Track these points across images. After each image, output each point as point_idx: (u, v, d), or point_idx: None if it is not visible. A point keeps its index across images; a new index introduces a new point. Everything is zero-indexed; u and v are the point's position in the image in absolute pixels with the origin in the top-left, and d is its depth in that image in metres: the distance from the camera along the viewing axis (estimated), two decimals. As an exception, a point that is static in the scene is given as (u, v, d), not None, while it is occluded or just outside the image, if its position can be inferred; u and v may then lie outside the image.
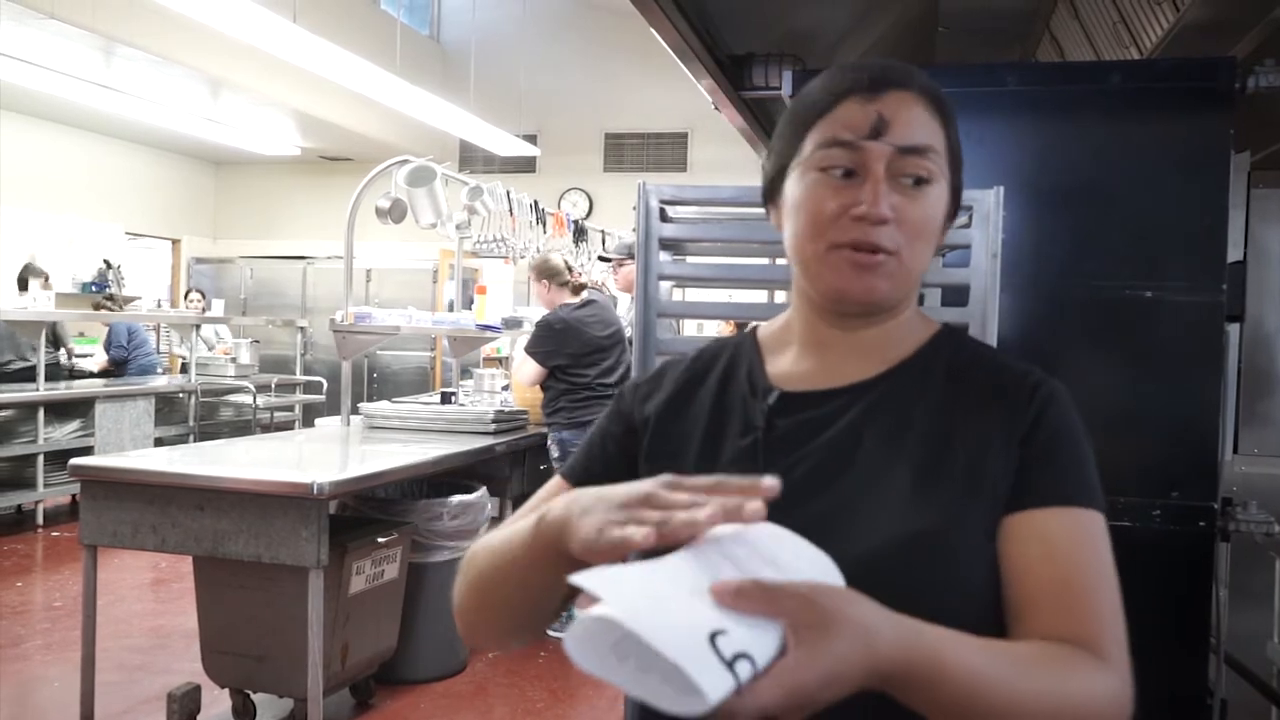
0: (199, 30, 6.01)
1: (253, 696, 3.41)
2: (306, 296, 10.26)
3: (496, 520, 4.18)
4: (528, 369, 4.44)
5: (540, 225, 6.14)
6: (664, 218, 1.98)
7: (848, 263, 0.84)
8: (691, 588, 0.61)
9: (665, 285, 2.09)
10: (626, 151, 10.58)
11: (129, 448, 6.30)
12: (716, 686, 0.57)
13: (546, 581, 0.78)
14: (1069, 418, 0.86)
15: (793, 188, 0.88)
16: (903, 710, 0.69)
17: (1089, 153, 2.26)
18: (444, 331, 5.59)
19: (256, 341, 8.47)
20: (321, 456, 3.95)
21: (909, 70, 0.87)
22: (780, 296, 3.39)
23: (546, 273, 4.63)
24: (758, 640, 0.60)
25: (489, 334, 5.46)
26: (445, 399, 4.81)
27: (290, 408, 8.34)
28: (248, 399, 7.74)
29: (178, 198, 11.14)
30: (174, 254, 11.32)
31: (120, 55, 7.11)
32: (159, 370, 8.25)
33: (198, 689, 3.34)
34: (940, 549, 0.81)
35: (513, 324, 5.51)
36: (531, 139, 9.77)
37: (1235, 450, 2.58)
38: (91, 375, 7.49)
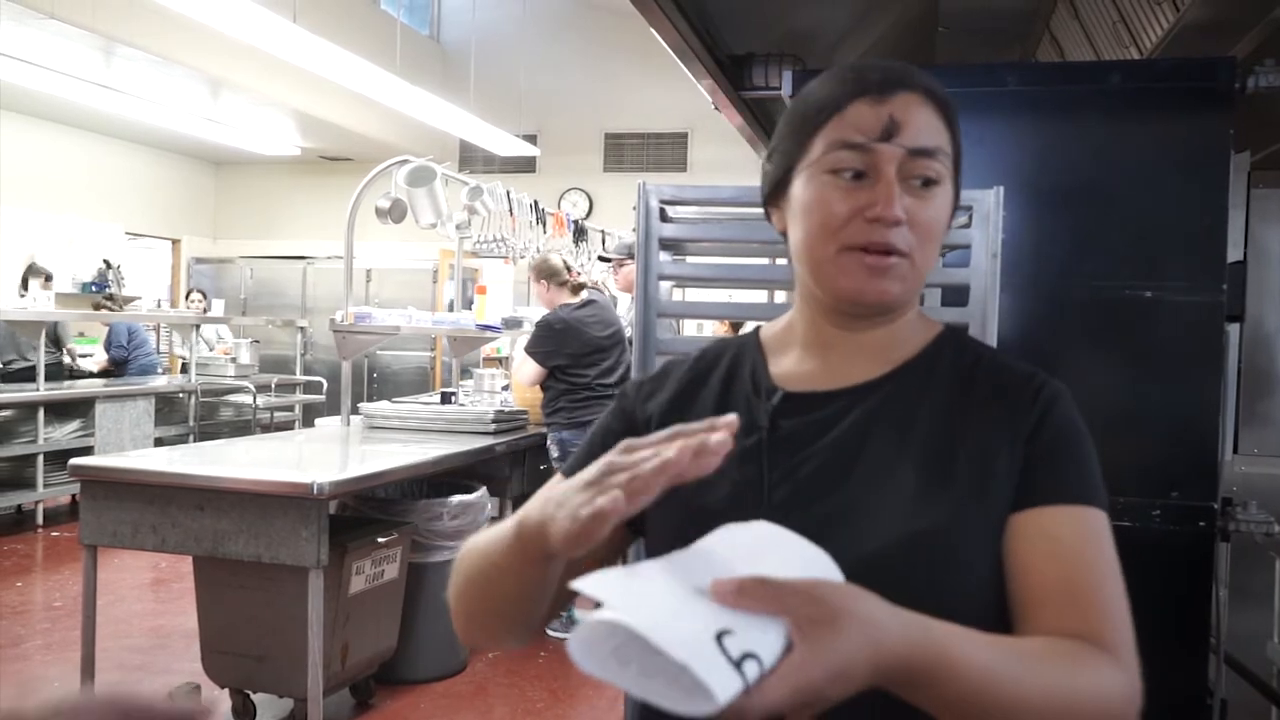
0: (199, 30, 6.01)
1: (253, 696, 3.42)
2: (306, 296, 10.26)
3: (496, 520, 4.18)
4: (528, 369, 4.44)
5: (540, 225, 6.14)
6: (664, 218, 1.98)
7: (861, 265, 0.84)
8: (694, 588, 0.61)
9: (665, 285, 2.09)
10: (626, 151, 10.58)
11: (129, 448, 6.30)
12: (725, 687, 0.56)
13: (534, 583, 0.78)
14: (1072, 417, 0.87)
15: (801, 190, 0.88)
16: (909, 709, 0.69)
17: (1089, 153, 2.26)
18: (444, 331, 5.59)
19: (256, 341, 8.47)
20: (321, 456, 3.95)
21: (916, 71, 0.87)
22: (780, 296, 3.39)
23: (546, 273, 4.63)
24: (763, 639, 0.59)
25: (489, 334, 5.46)
26: (445, 399, 4.81)
27: (290, 408, 8.34)
28: (248, 399, 7.74)
29: (178, 198, 11.14)
30: (174, 254, 11.32)
31: (120, 55, 7.11)
32: (159, 370, 8.25)
33: (198, 689, 3.34)
34: (945, 549, 0.81)
35: (513, 324, 5.51)
36: (531, 139, 9.77)
37: (1235, 450, 2.58)
38: (91, 375, 7.49)
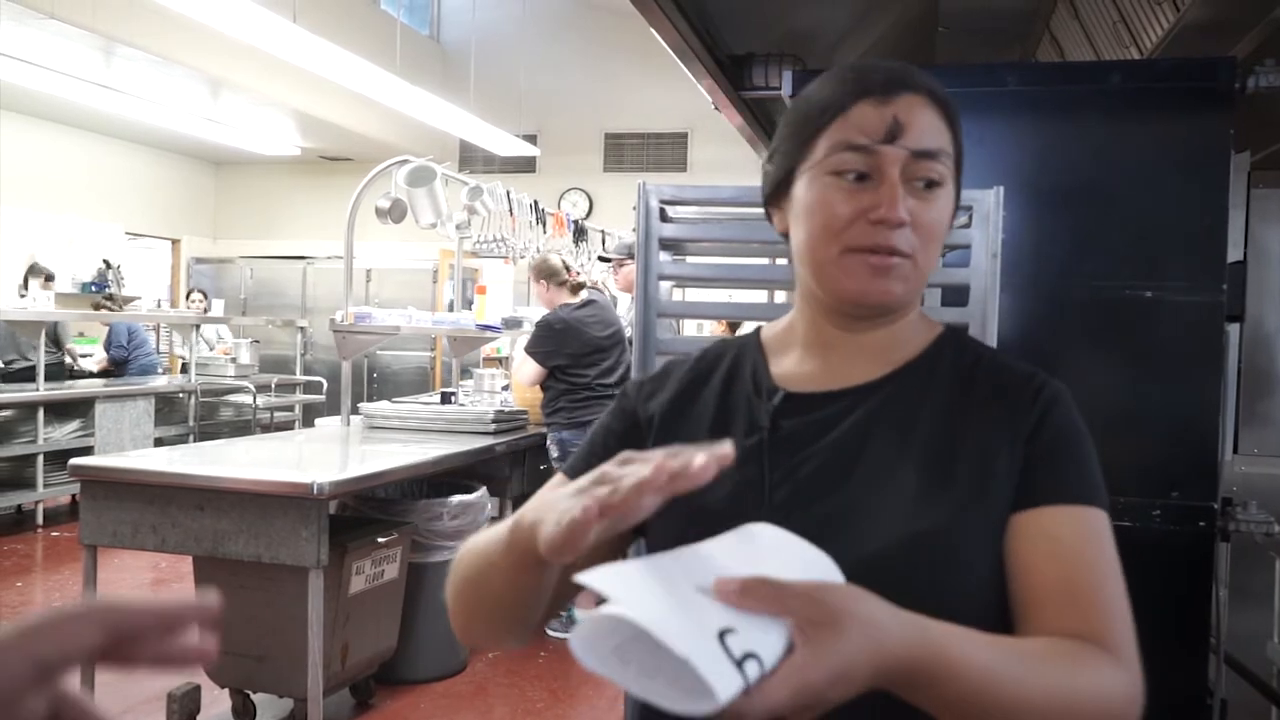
0: (199, 30, 6.01)
1: (253, 696, 3.41)
2: (306, 296, 10.26)
3: (496, 520, 4.18)
4: (528, 369, 4.44)
5: (540, 225, 6.14)
6: (664, 218, 1.98)
7: (864, 266, 0.85)
8: (696, 586, 0.61)
9: (665, 285, 2.09)
10: (626, 151, 10.58)
11: (129, 448, 6.30)
12: (727, 686, 0.56)
13: (529, 585, 0.78)
14: (1072, 418, 0.87)
15: (803, 191, 0.88)
16: (909, 710, 0.69)
17: (1089, 153, 2.26)
18: (444, 331, 5.59)
19: (256, 341, 8.47)
20: (321, 456, 3.95)
21: (918, 72, 0.87)
22: (780, 296, 3.39)
23: (545, 273, 4.63)
24: (765, 639, 0.59)
25: (489, 334, 5.46)
26: (445, 399, 4.81)
27: (290, 408, 8.34)
28: (248, 399, 7.74)
29: (178, 198, 11.14)
30: (174, 254, 11.32)
31: (120, 55, 7.11)
32: (159, 370, 8.25)
33: (197, 689, 3.34)
34: (946, 549, 0.81)
35: (513, 324, 5.51)
36: (531, 139, 9.77)
37: (1235, 450, 2.58)
38: (91, 375, 7.50)
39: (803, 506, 0.84)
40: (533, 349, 4.42)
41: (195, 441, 6.82)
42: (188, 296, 9.29)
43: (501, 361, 7.40)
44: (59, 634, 0.36)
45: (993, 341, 1.82)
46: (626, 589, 0.59)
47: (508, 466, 4.37)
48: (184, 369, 7.67)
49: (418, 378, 9.59)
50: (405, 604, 3.65)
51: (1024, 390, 0.87)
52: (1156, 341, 2.18)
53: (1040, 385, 0.88)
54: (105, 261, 9.43)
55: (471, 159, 10.16)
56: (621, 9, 3.24)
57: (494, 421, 4.39)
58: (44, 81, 7.00)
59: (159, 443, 6.68)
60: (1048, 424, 0.85)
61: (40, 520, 6.32)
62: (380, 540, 3.41)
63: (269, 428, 7.80)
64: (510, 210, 5.74)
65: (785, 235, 0.93)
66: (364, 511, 3.71)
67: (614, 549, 0.97)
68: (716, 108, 4.14)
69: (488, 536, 0.84)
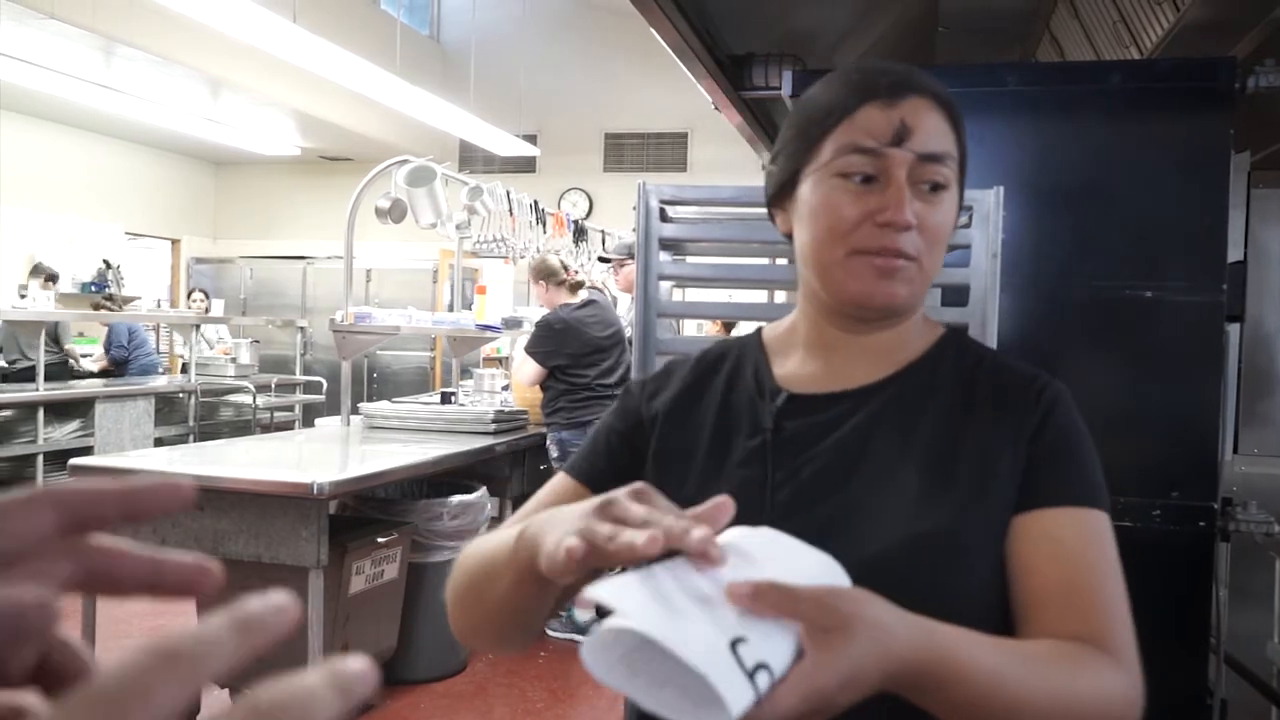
0: (199, 30, 6.01)
1: (253, 696, 3.41)
2: (306, 296, 10.26)
3: (496, 520, 4.18)
4: (527, 369, 4.44)
5: (540, 225, 6.14)
6: (664, 218, 1.98)
7: (870, 269, 0.85)
8: (703, 594, 0.60)
9: (665, 285, 2.09)
10: (626, 151, 10.58)
11: (129, 448, 6.30)
12: (739, 698, 0.56)
13: (532, 595, 0.77)
14: (1074, 419, 0.87)
15: (809, 193, 0.88)
16: (915, 712, 0.69)
17: (1089, 153, 2.26)
18: (444, 331, 5.59)
19: (256, 341, 8.47)
20: (321, 456, 3.95)
21: (923, 75, 0.87)
22: (780, 296, 3.39)
23: (543, 273, 4.64)
24: (774, 647, 0.59)
25: (489, 334, 5.46)
26: (445, 399, 4.81)
27: (290, 408, 8.33)
28: (248, 399, 7.74)
29: (178, 198, 11.14)
30: (174, 254, 11.32)
31: (120, 55, 7.11)
32: (159, 370, 8.25)
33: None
34: (948, 551, 0.81)
35: (513, 324, 5.51)
36: (531, 139, 9.77)
37: (1235, 450, 2.58)
38: (92, 375, 7.50)
39: (805, 508, 0.84)
40: (533, 349, 4.42)
41: (195, 441, 6.82)
42: (189, 296, 9.30)
43: (501, 361, 7.40)
44: (10, 515, 0.33)
45: (993, 342, 1.83)
46: (636, 601, 0.58)
47: (508, 466, 4.37)
48: (184, 369, 7.67)
49: (418, 378, 9.59)
50: (405, 604, 3.65)
51: (1026, 391, 0.88)
52: (1156, 341, 2.18)
53: (1042, 386, 0.88)
54: (105, 261, 9.43)
55: (471, 159, 10.16)
56: (621, 9, 3.24)
57: (494, 421, 4.39)
58: (44, 81, 7.00)
59: (159, 443, 6.68)
60: (1050, 425, 0.86)
61: (40, 520, 6.31)
62: (380, 540, 3.41)
63: (269, 428, 7.79)
64: (510, 210, 5.74)
65: (788, 236, 0.93)
66: (364, 511, 3.71)
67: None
68: (716, 108, 4.14)
69: (491, 543, 0.84)
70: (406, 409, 4.66)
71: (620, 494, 0.67)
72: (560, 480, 0.97)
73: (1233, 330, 2.45)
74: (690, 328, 6.82)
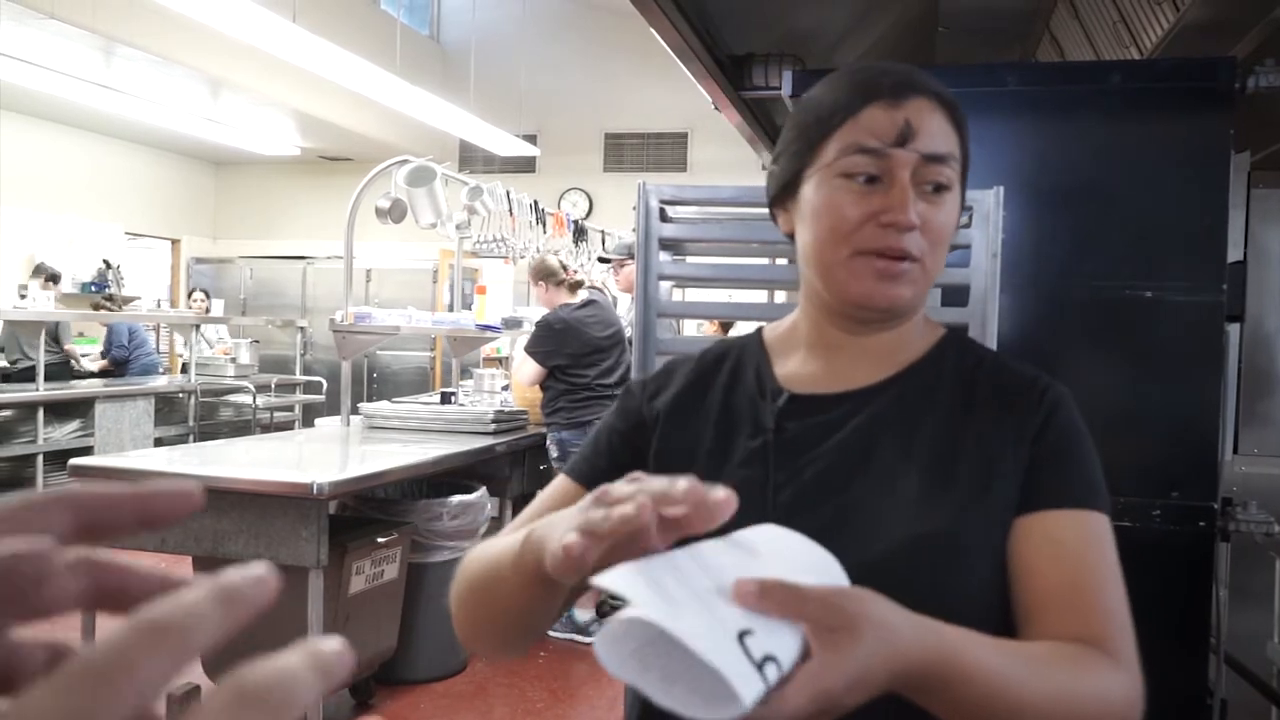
0: (199, 30, 6.01)
1: (253, 696, 3.41)
2: (306, 296, 10.26)
3: (496, 520, 4.18)
4: (527, 369, 4.44)
5: (540, 225, 6.14)
6: (664, 218, 1.98)
7: (873, 270, 0.85)
8: (710, 586, 0.60)
9: (665, 285, 2.09)
10: (626, 151, 10.58)
11: (129, 448, 6.30)
12: (750, 690, 0.56)
13: (539, 598, 0.77)
14: (1076, 421, 0.88)
15: (812, 193, 0.87)
16: (917, 712, 0.69)
17: (1089, 153, 2.26)
18: (444, 331, 5.59)
19: (256, 341, 8.47)
20: (321, 456, 3.95)
21: (927, 76, 0.87)
22: (780, 296, 3.39)
23: (542, 274, 4.65)
24: (780, 641, 0.59)
25: (489, 334, 5.46)
26: (445, 399, 4.81)
27: (290, 408, 8.33)
28: (248, 399, 7.74)
29: (178, 198, 11.14)
30: (174, 254, 11.32)
31: (120, 55, 7.11)
32: (160, 370, 8.25)
33: (197, 689, 3.34)
34: (950, 552, 0.81)
35: (513, 324, 5.51)
36: (531, 139, 9.77)
37: (1235, 450, 2.58)
38: (92, 375, 7.50)
39: (807, 508, 0.84)
40: (532, 349, 4.42)
41: (195, 441, 6.82)
42: (189, 296, 9.29)
43: (501, 361, 7.40)
44: (26, 518, 0.34)
45: (992, 342, 1.83)
46: (645, 591, 0.58)
47: (508, 466, 4.37)
48: (184, 369, 7.67)
49: (418, 378, 9.59)
50: (405, 604, 3.65)
51: (1028, 393, 0.88)
52: (1156, 341, 2.18)
53: (1044, 388, 0.88)
54: (105, 261, 9.43)
55: (471, 159, 10.16)
56: (621, 9, 3.24)
57: (494, 421, 4.39)
58: (44, 81, 7.00)
59: (159, 443, 6.68)
60: (1052, 427, 0.86)
61: (40, 520, 6.31)
62: (380, 540, 3.41)
63: (269, 428, 7.79)
64: (510, 210, 5.74)
65: (790, 236, 0.93)
66: (364, 511, 3.71)
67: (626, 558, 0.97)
68: (716, 108, 4.14)
69: (495, 548, 0.83)
70: (406, 409, 4.66)
71: (613, 484, 0.66)
72: (561, 482, 0.97)
73: (1233, 330, 2.45)
74: (690, 328, 6.82)
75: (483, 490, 3.94)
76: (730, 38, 3.68)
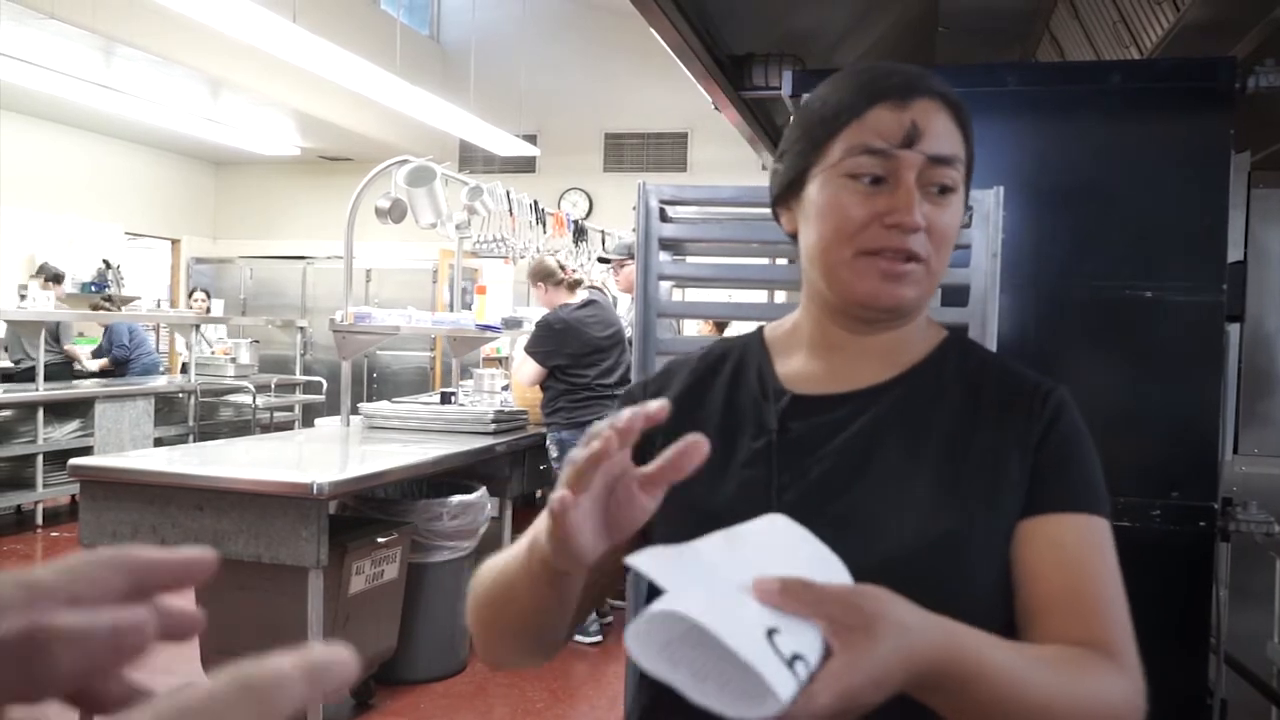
0: (199, 30, 6.01)
1: (253, 696, 3.41)
2: (306, 296, 10.25)
3: (496, 520, 4.18)
4: (527, 369, 4.44)
5: (540, 225, 6.14)
6: (664, 218, 1.98)
7: (877, 269, 0.85)
8: (730, 581, 0.60)
9: (665, 285, 2.09)
10: (626, 151, 10.58)
11: (129, 448, 6.30)
12: (786, 689, 0.56)
13: (552, 600, 0.78)
14: (1078, 425, 0.88)
15: (817, 193, 0.87)
16: (925, 712, 0.69)
17: (1089, 153, 2.26)
18: (444, 331, 5.59)
19: (256, 341, 8.47)
20: (321, 456, 3.95)
21: (933, 77, 0.87)
22: (780, 296, 3.39)
23: (541, 275, 4.65)
24: (804, 638, 0.59)
25: (489, 334, 5.46)
26: (445, 399, 4.81)
27: (290, 408, 8.33)
28: (247, 399, 7.74)
29: (178, 198, 11.14)
30: (174, 254, 11.32)
31: (120, 55, 7.11)
32: (160, 370, 8.25)
33: (197, 689, 3.34)
34: (956, 553, 0.82)
35: (513, 324, 5.51)
36: (531, 139, 9.77)
37: (1235, 450, 2.58)
38: (92, 375, 7.50)
39: (812, 509, 0.84)
40: (532, 349, 4.42)
41: (195, 441, 6.82)
42: (189, 296, 9.29)
43: (501, 361, 7.40)
44: (97, 578, 0.37)
45: (992, 342, 1.83)
46: (678, 581, 0.59)
47: (508, 466, 4.37)
48: (184, 369, 7.67)
49: (418, 378, 9.59)
50: (405, 604, 3.65)
51: (1032, 397, 0.88)
52: (1156, 341, 2.18)
53: (1048, 392, 0.88)
54: (105, 261, 9.43)
55: (471, 159, 10.16)
56: (621, 9, 3.24)
57: (494, 421, 4.39)
58: (44, 81, 7.00)
59: (159, 443, 6.68)
60: (1056, 431, 0.86)
61: (40, 520, 6.31)
62: (380, 540, 3.41)
63: (269, 428, 7.79)
64: (510, 210, 5.73)
65: (793, 236, 0.93)
66: (364, 511, 3.71)
67: (628, 554, 0.97)
68: (716, 108, 4.14)
69: (504, 559, 0.84)
70: (406, 409, 4.66)
71: (574, 450, 0.71)
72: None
73: (1233, 330, 2.45)
74: (690, 328, 6.82)
75: (483, 490, 3.94)
76: (730, 38, 3.68)
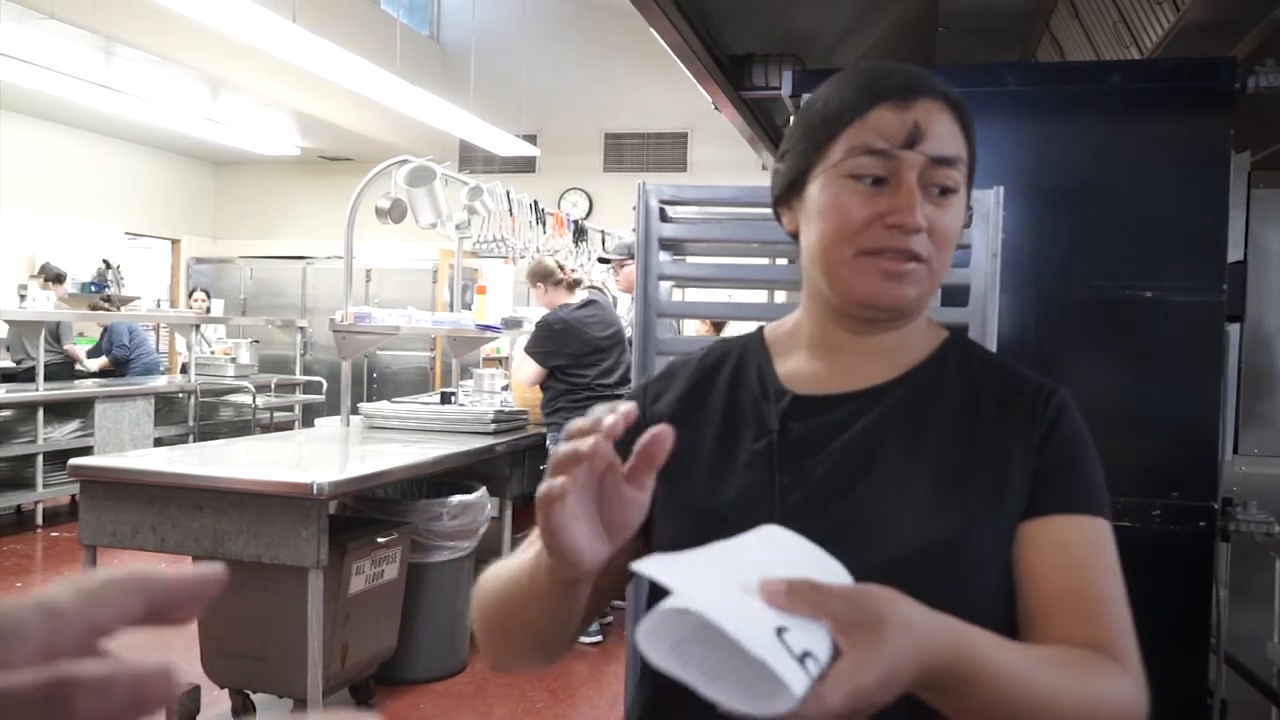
0: (199, 30, 6.01)
1: (252, 696, 3.41)
2: (306, 296, 10.26)
3: (496, 520, 4.18)
4: (527, 369, 4.44)
5: (540, 225, 6.13)
6: (664, 218, 1.98)
7: (878, 269, 0.84)
8: (737, 584, 0.61)
9: (665, 285, 2.09)
10: (626, 151, 10.58)
11: (129, 448, 6.30)
12: (799, 685, 0.56)
13: (559, 604, 0.78)
14: (1080, 426, 0.88)
15: (818, 193, 0.87)
16: (930, 712, 0.69)
17: (1089, 153, 2.26)
18: (444, 331, 5.59)
19: (256, 341, 8.47)
20: (321, 456, 3.95)
21: (935, 77, 0.87)
22: (780, 296, 3.39)
23: (540, 275, 4.66)
24: (812, 636, 0.60)
25: (489, 334, 5.46)
26: (445, 399, 4.81)
27: (290, 408, 8.33)
28: (247, 399, 7.74)
29: (178, 198, 11.14)
30: (174, 254, 11.32)
31: (120, 55, 7.11)
32: (161, 370, 8.25)
33: (197, 689, 3.34)
34: (958, 554, 0.82)
35: (513, 324, 5.51)
36: (531, 139, 9.77)
37: (1235, 450, 2.58)
38: (92, 375, 7.50)
39: (815, 510, 0.84)
40: (532, 349, 4.42)
41: (195, 441, 6.82)
42: (189, 296, 9.29)
43: (501, 361, 7.40)
44: (115, 600, 0.37)
45: (992, 342, 1.83)
46: (687, 581, 0.59)
47: (507, 466, 4.37)
48: (184, 369, 7.67)
49: (417, 378, 9.59)
50: (405, 604, 3.65)
51: (1034, 398, 0.88)
52: (1156, 341, 2.18)
53: (1049, 393, 0.88)
54: (105, 261, 9.43)
55: (471, 159, 10.16)
56: (621, 9, 3.24)
57: (494, 421, 4.39)
58: (44, 81, 7.00)
59: (159, 443, 6.68)
60: (1058, 432, 0.86)
61: (40, 520, 6.31)
62: (380, 540, 3.41)
63: (269, 428, 7.80)
64: (510, 210, 5.73)
65: (794, 235, 0.93)
66: (364, 511, 3.71)
67: (631, 558, 0.97)
68: (716, 108, 4.14)
69: (511, 566, 0.85)
70: (406, 409, 4.66)
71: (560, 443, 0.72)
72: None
73: (1233, 330, 2.45)
74: (690, 328, 6.82)
75: (483, 490, 3.94)
76: (730, 38, 3.68)
